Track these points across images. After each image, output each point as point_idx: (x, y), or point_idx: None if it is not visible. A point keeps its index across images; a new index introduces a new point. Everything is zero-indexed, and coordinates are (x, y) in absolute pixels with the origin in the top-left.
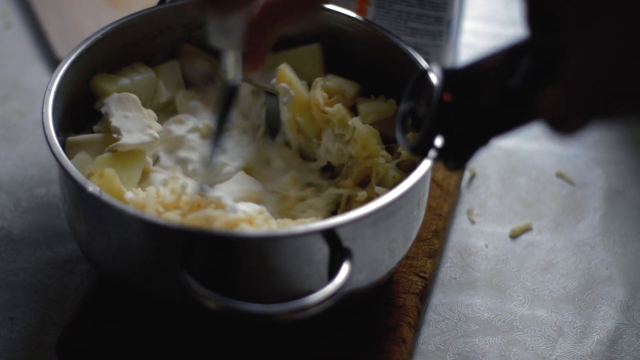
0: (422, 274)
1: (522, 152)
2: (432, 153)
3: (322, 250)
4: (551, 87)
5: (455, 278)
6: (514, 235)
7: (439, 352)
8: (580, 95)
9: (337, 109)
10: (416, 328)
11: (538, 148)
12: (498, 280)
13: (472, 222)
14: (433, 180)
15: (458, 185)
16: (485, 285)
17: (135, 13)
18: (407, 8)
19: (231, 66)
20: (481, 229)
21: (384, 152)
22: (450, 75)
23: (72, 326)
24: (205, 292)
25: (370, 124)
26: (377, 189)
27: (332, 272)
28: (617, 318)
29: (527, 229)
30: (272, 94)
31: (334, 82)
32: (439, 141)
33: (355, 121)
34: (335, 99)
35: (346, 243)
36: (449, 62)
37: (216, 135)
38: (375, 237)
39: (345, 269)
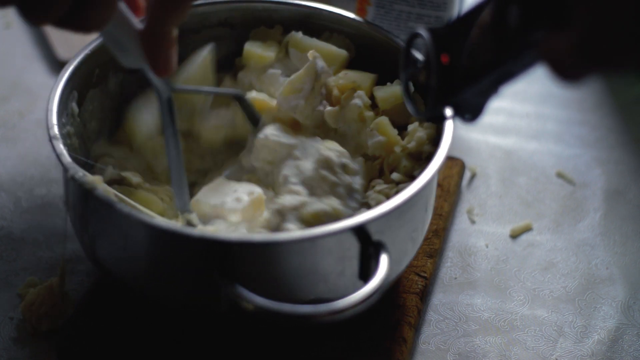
0: (422, 274)
1: (522, 152)
2: (447, 113)
3: (353, 247)
4: (558, 33)
5: (456, 278)
6: (514, 235)
7: (440, 351)
8: (590, 44)
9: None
10: (416, 327)
11: (538, 148)
12: (498, 280)
13: (473, 222)
14: None
15: (458, 185)
16: (486, 285)
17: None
18: (407, 8)
19: (154, 80)
20: (481, 228)
21: (403, 142)
22: (440, 35)
23: (72, 326)
24: (250, 296)
25: (389, 109)
26: (395, 175)
27: (364, 268)
28: (618, 318)
29: (527, 229)
30: (240, 97)
31: (346, 79)
32: (450, 103)
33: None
34: (348, 94)
35: (376, 236)
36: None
37: (173, 153)
38: (401, 227)
39: (384, 261)
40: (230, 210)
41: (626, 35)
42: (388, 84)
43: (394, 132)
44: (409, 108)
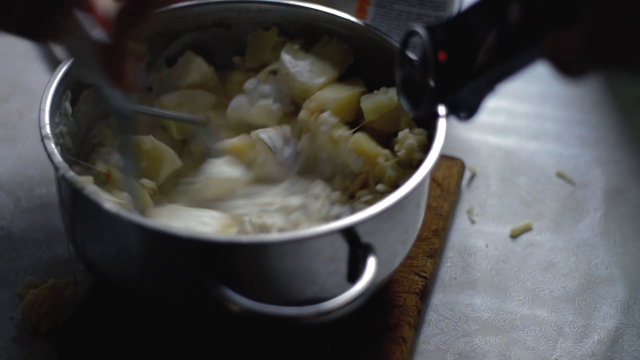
0: (422, 274)
1: (522, 152)
2: (442, 111)
3: (342, 249)
4: (562, 30)
5: (456, 278)
6: (514, 235)
7: (440, 351)
8: (597, 42)
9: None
10: (416, 327)
11: (538, 148)
12: (498, 280)
13: (472, 221)
14: (433, 180)
15: (458, 185)
16: (486, 285)
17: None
18: (407, 8)
19: (111, 96)
20: (481, 228)
21: (384, 151)
22: (438, 33)
23: (72, 326)
24: (235, 297)
25: (374, 120)
26: (379, 186)
27: (352, 270)
28: (618, 318)
29: (527, 229)
30: (200, 124)
31: (316, 101)
32: (446, 102)
33: (348, 140)
34: (314, 118)
35: (365, 239)
36: None
37: (126, 170)
38: (391, 230)
39: (372, 264)
40: None
41: (634, 33)
42: (375, 91)
43: (372, 145)
44: (405, 106)
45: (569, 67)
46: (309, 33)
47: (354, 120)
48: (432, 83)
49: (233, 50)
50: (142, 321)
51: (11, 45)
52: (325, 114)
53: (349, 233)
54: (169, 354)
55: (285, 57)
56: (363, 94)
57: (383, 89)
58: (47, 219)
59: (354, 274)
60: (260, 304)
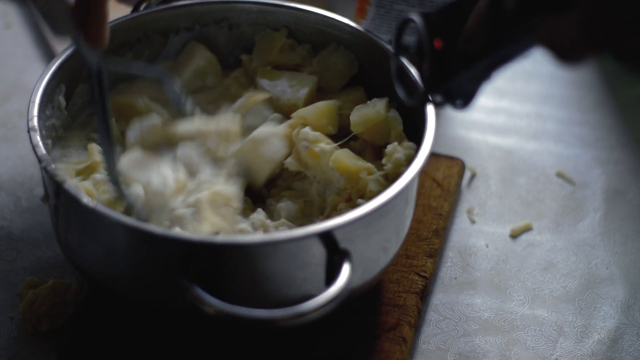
0: (422, 274)
1: (522, 152)
2: (438, 99)
3: (319, 253)
4: (558, 16)
5: (456, 278)
6: (514, 235)
7: (440, 351)
8: (595, 26)
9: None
10: (416, 327)
11: (538, 148)
12: (498, 280)
13: (473, 221)
14: (433, 180)
15: (458, 185)
16: (486, 284)
17: (125, 16)
18: (407, 8)
19: (84, 51)
20: (481, 228)
21: (367, 165)
22: (434, 20)
23: (72, 326)
24: (207, 299)
25: (364, 132)
26: (359, 200)
27: (330, 274)
28: (618, 318)
29: (527, 229)
30: (163, 80)
31: (296, 116)
32: (441, 90)
33: (329, 162)
34: (296, 134)
35: (343, 244)
36: None
37: (103, 129)
38: (370, 237)
39: (346, 270)
40: (156, 192)
41: (631, 14)
42: (368, 102)
43: (353, 161)
44: (400, 94)
45: (566, 52)
46: (307, 34)
47: (340, 133)
48: (427, 71)
49: (233, 51)
50: (142, 321)
51: (11, 45)
52: (306, 129)
53: (326, 237)
54: (169, 354)
55: (262, 82)
56: (346, 103)
57: (373, 100)
58: (47, 219)
59: (331, 280)
60: (233, 306)
